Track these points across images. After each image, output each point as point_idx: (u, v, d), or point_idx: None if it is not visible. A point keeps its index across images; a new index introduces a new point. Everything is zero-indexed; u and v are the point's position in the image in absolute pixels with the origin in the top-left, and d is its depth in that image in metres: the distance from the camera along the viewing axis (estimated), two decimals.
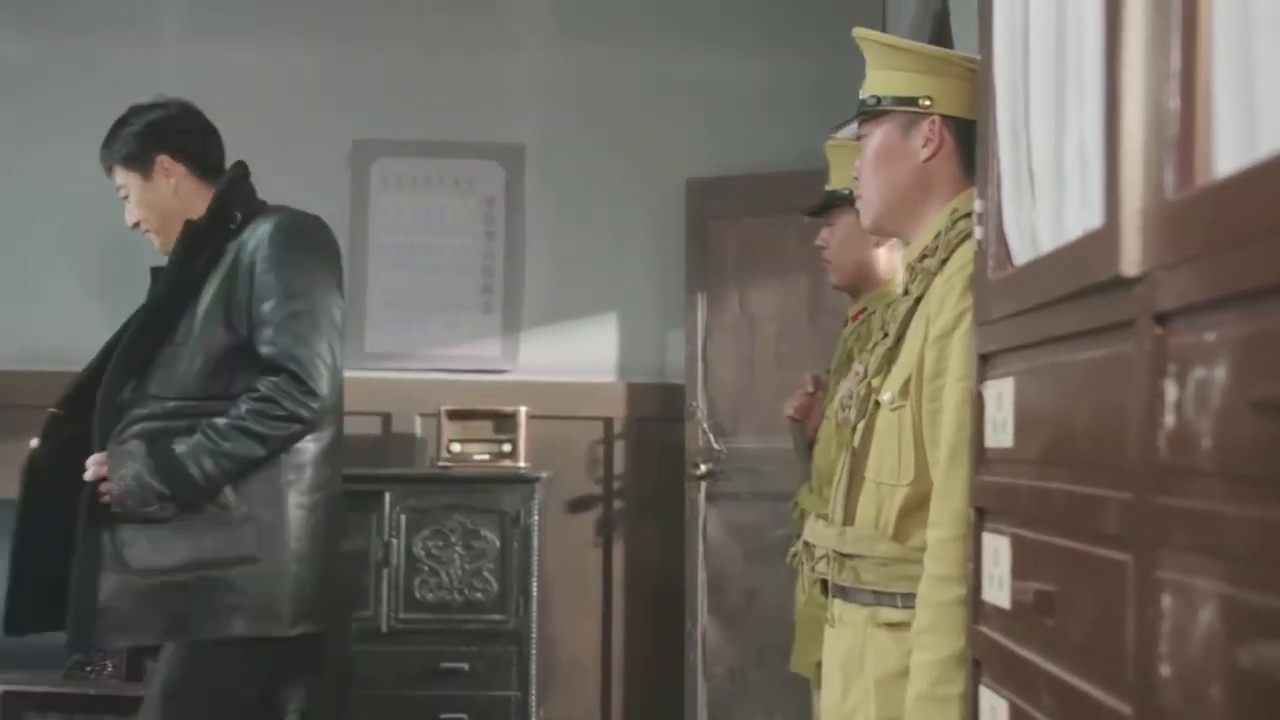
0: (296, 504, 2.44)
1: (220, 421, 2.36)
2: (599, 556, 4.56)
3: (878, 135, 1.84)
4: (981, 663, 1.40)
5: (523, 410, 4.28)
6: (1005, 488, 1.34)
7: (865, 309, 2.65)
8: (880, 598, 1.71)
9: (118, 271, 4.52)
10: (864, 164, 1.86)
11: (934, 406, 1.67)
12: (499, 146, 4.65)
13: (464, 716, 3.99)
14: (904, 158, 1.81)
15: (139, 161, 2.64)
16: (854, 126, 1.91)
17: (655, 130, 4.65)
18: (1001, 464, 1.36)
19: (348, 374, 4.46)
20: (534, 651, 4.06)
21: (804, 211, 2.87)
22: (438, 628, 4.03)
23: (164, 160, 2.64)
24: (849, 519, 1.77)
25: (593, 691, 4.53)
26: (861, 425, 1.79)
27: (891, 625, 1.69)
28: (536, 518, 4.12)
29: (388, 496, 4.07)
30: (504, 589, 4.06)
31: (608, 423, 4.59)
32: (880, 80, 1.84)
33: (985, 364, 1.43)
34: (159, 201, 2.64)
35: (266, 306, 2.43)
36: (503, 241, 4.64)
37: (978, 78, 1.55)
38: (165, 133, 2.67)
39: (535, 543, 4.10)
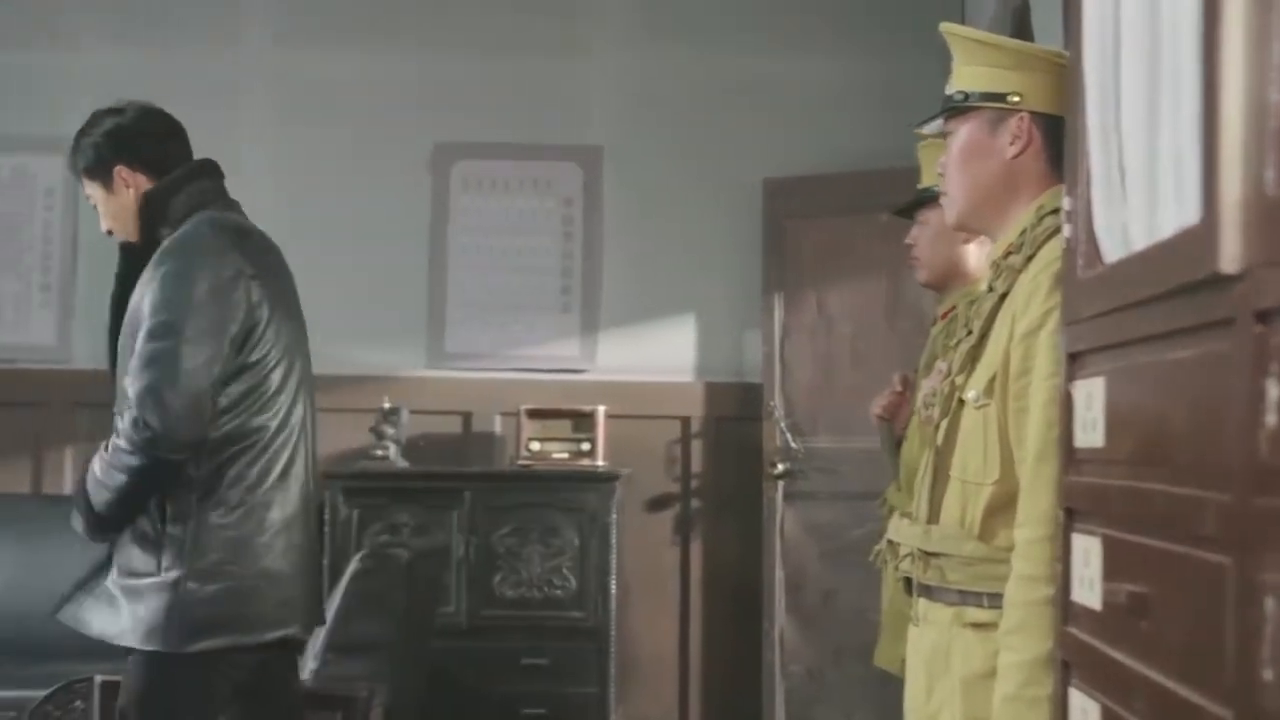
0: (216, 521, 2.33)
1: (96, 464, 2.37)
2: (677, 555, 4.58)
3: (964, 132, 1.82)
4: (1071, 664, 1.39)
5: (601, 409, 4.31)
6: (1096, 488, 1.33)
7: (955, 307, 2.65)
8: (966, 597, 1.70)
9: None
10: (950, 161, 1.85)
11: (1020, 405, 1.66)
12: (577, 148, 4.69)
13: (543, 712, 4.03)
14: (991, 154, 1.80)
15: (99, 172, 2.52)
16: (939, 122, 1.89)
17: (732, 130, 4.65)
18: (1092, 464, 1.35)
19: (429, 373, 4.60)
20: (612, 649, 4.09)
21: (893, 211, 2.87)
22: (518, 624, 4.08)
23: (121, 170, 2.51)
24: (934, 517, 1.77)
25: (670, 689, 4.55)
26: (945, 423, 1.78)
27: (978, 625, 1.68)
28: (615, 516, 4.15)
29: (468, 494, 4.13)
30: (583, 586, 4.09)
31: (685, 422, 4.61)
32: (967, 76, 1.82)
33: (1074, 363, 1.42)
34: (123, 211, 2.52)
35: (136, 341, 2.36)
36: (581, 242, 4.67)
37: (1066, 73, 1.54)
38: (120, 141, 2.54)
39: (614, 541, 4.14)
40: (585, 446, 4.28)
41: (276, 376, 2.45)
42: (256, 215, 4.84)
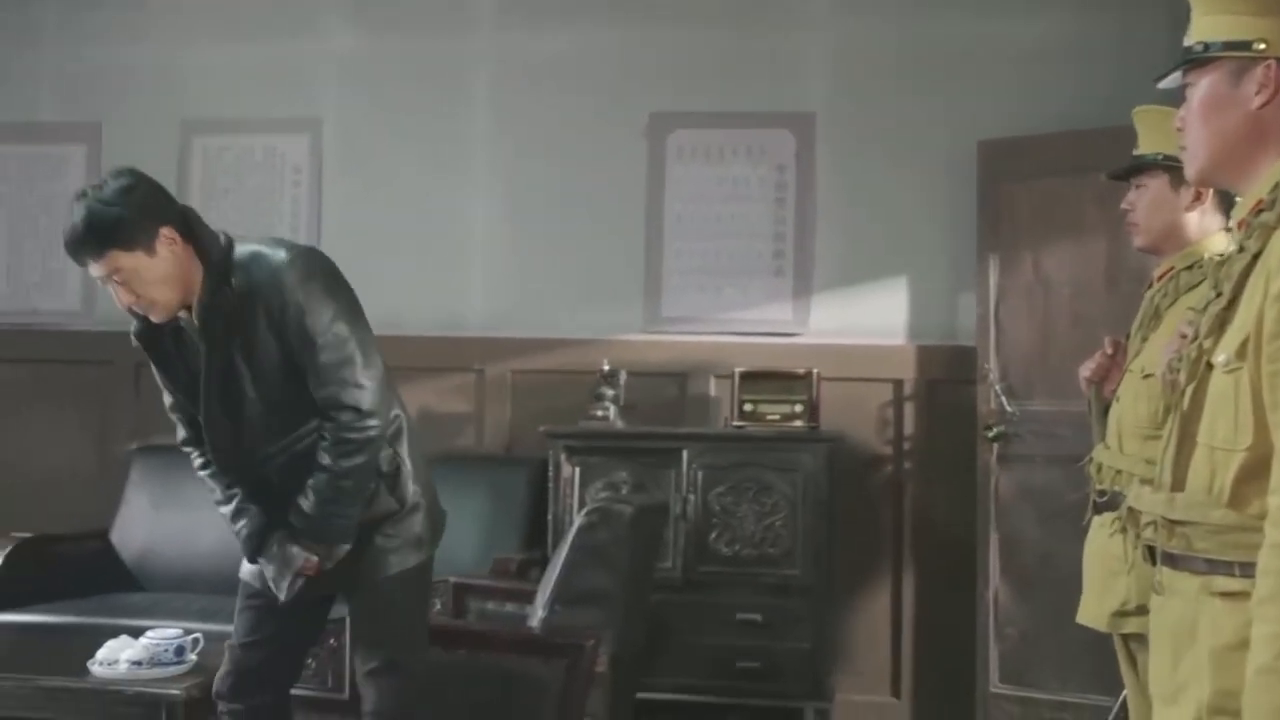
0: (405, 465, 2.77)
1: (321, 480, 2.61)
2: (889, 516, 4.62)
3: (1205, 84, 1.74)
4: None
5: (814, 372, 4.38)
6: None
7: (1172, 268, 2.62)
8: (1214, 566, 1.63)
9: (446, 253, 4.92)
10: (1190, 114, 1.77)
11: (1275, 368, 1.58)
12: (790, 115, 4.74)
13: (757, 665, 4.15)
14: (1234, 106, 1.72)
15: (140, 240, 2.53)
16: (1178, 75, 1.81)
17: (945, 93, 4.63)
18: None
19: (648, 337, 4.76)
20: (826, 606, 4.17)
21: (1108, 175, 2.84)
22: (733, 580, 4.20)
23: (166, 231, 2.56)
24: (1178, 485, 1.71)
25: (883, 648, 4.60)
26: (1191, 388, 1.72)
27: (1227, 595, 1.61)
28: (828, 476, 4.22)
29: (685, 454, 4.26)
30: (796, 545, 4.19)
31: (898, 384, 4.63)
32: (1207, 25, 1.74)
33: None
34: (172, 272, 2.57)
35: (311, 354, 2.59)
36: (793, 207, 4.74)
37: None
38: (156, 205, 2.58)
39: (827, 500, 4.21)
40: (798, 408, 4.36)
41: None
42: (480, 183, 5.14)
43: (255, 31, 5.09)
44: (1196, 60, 1.76)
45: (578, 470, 4.31)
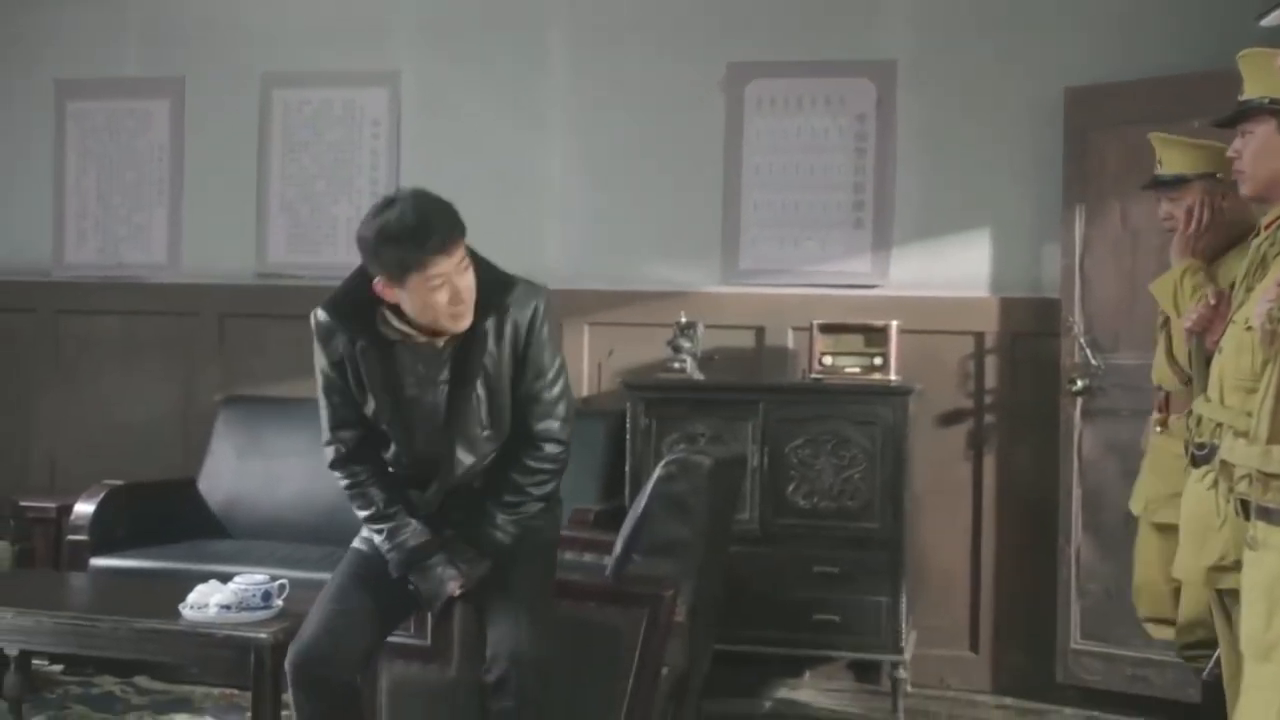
0: None
1: (514, 502, 2.83)
2: (969, 470, 4.57)
3: None
4: None
5: (894, 324, 4.33)
6: None
7: None
8: None
9: (523, 206, 4.92)
10: None
11: None
12: (871, 64, 4.67)
13: (835, 618, 4.14)
14: None
15: (462, 243, 2.67)
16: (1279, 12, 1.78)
17: (1031, 39, 4.52)
18: None
19: (725, 290, 4.74)
20: (904, 559, 4.15)
21: (1214, 123, 2.76)
22: (810, 532, 4.19)
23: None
24: (1275, 438, 1.69)
25: (962, 601, 4.58)
26: None
27: None
28: (907, 429, 4.19)
29: (762, 406, 4.25)
30: (875, 498, 4.16)
31: (979, 337, 4.57)
32: None
33: None
34: (472, 282, 2.71)
35: (538, 385, 2.81)
36: (873, 158, 4.67)
37: None
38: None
39: (906, 454, 4.18)
40: (878, 361, 4.31)
41: None
42: (556, 136, 5.13)
43: None
44: None
45: (655, 422, 4.32)
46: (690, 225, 4.79)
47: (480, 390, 2.74)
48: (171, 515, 4.63)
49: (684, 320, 4.51)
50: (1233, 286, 2.66)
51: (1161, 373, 3.33)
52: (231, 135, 5.18)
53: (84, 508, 4.35)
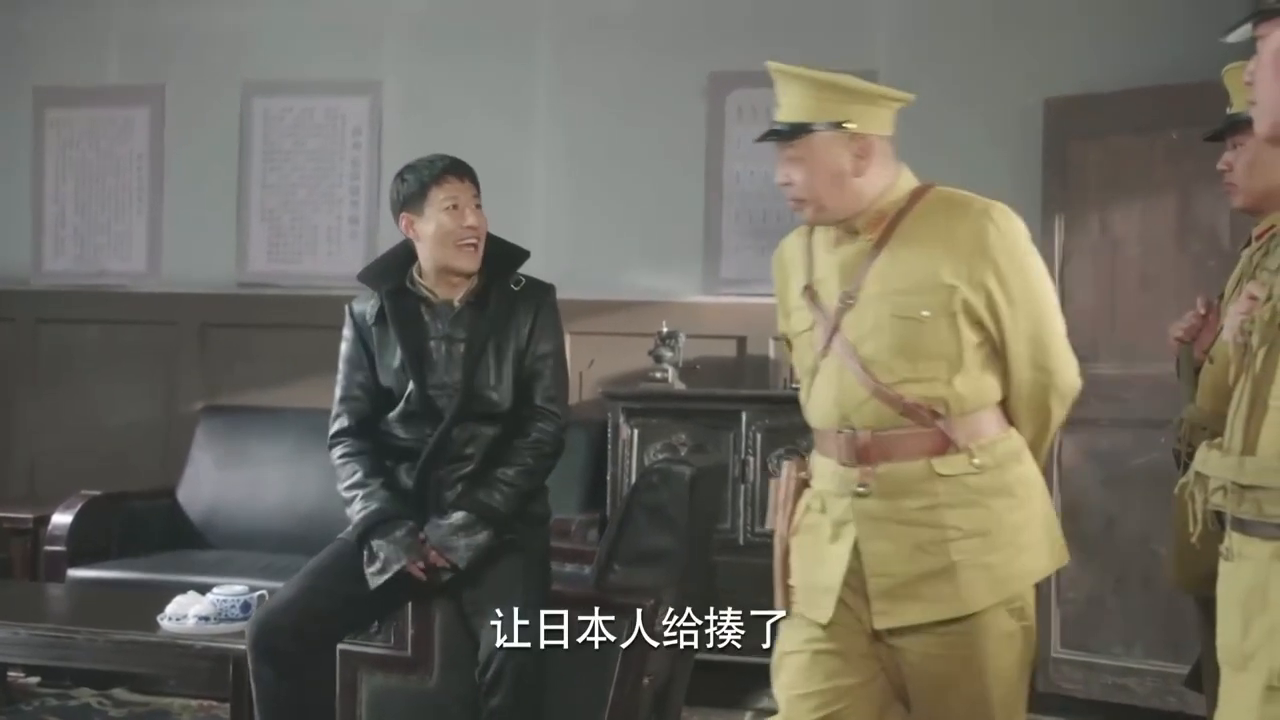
0: None
1: (514, 474, 2.91)
2: None
3: (1277, 36, 1.69)
4: None
5: None
6: None
7: (1273, 227, 2.54)
8: None
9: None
10: (1260, 67, 1.72)
11: None
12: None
13: None
14: None
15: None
16: (1247, 29, 1.76)
17: (1011, 49, 4.55)
18: None
19: (706, 299, 4.75)
20: None
21: (1205, 137, 2.77)
22: None
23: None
24: (1249, 448, 1.68)
25: None
26: (1264, 351, 1.69)
27: None
28: None
29: (744, 415, 4.25)
30: None
31: None
32: None
33: None
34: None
35: (546, 364, 2.99)
36: None
37: None
38: None
39: None
40: None
41: None
42: (539, 144, 5.12)
43: None
44: (1268, 12, 1.70)
45: (636, 432, 4.32)
46: (672, 234, 4.80)
47: (491, 350, 2.91)
48: (150, 525, 4.61)
49: (665, 330, 4.51)
50: (1222, 296, 2.67)
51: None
52: (212, 143, 5.17)
53: (62, 518, 4.32)
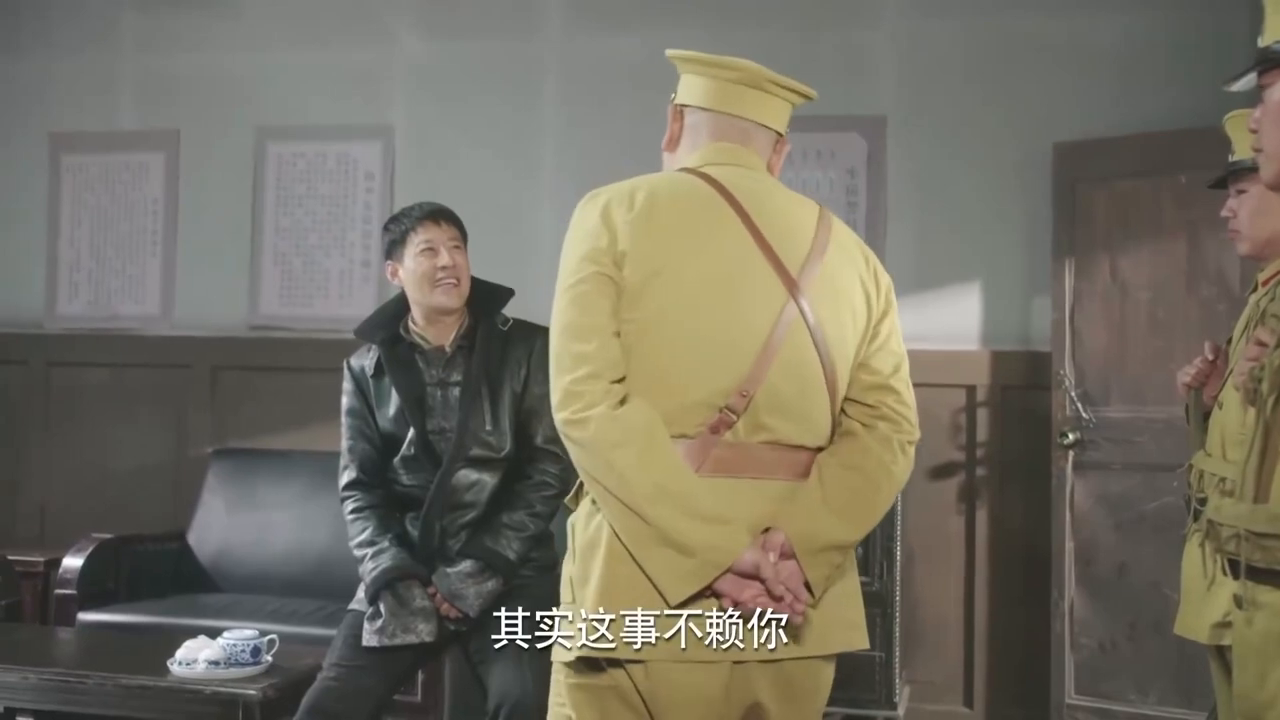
0: None
1: (522, 519, 2.95)
2: (961, 523, 4.57)
3: None
4: None
5: None
6: None
7: (1279, 273, 2.55)
8: None
9: (516, 258, 4.93)
10: (1265, 116, 1.73)
11: None
12: (860, 119, 4.71)
13: None
14: None
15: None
16: (1252, 78, 1.76)
17: (1020, 94, 4.57)
18: None
19: None
20: (897, 613, 4.13)
21: (1210, 185, 2.78)
22: None
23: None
24: (1261, 496, 1.67)
25: (955, 656, 4.55)
26: (1274, 397, 1.67)
27: None
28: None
29: None
30: (867, 551, 4.14)
31: (970, 390, 4.58)
32: None
33: None
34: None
35: (542, 403, 2.89)
36: (864, 212, 4.70)
37: None
38: None
39: (898, 507, 4.17)
40: None
41: None
42: (547, 187, 5.14)
43: (328, 39, 5.16)
44: (1272, 61, 1.71)
45: None
46: None
47: (485, 391, 2.96)
48: (161, 569, 4.60)
49: None
50: (1229, 342, 2.67)
51: None
52: (225, 188, 5.21)
53: (72, 561, 4.32)
